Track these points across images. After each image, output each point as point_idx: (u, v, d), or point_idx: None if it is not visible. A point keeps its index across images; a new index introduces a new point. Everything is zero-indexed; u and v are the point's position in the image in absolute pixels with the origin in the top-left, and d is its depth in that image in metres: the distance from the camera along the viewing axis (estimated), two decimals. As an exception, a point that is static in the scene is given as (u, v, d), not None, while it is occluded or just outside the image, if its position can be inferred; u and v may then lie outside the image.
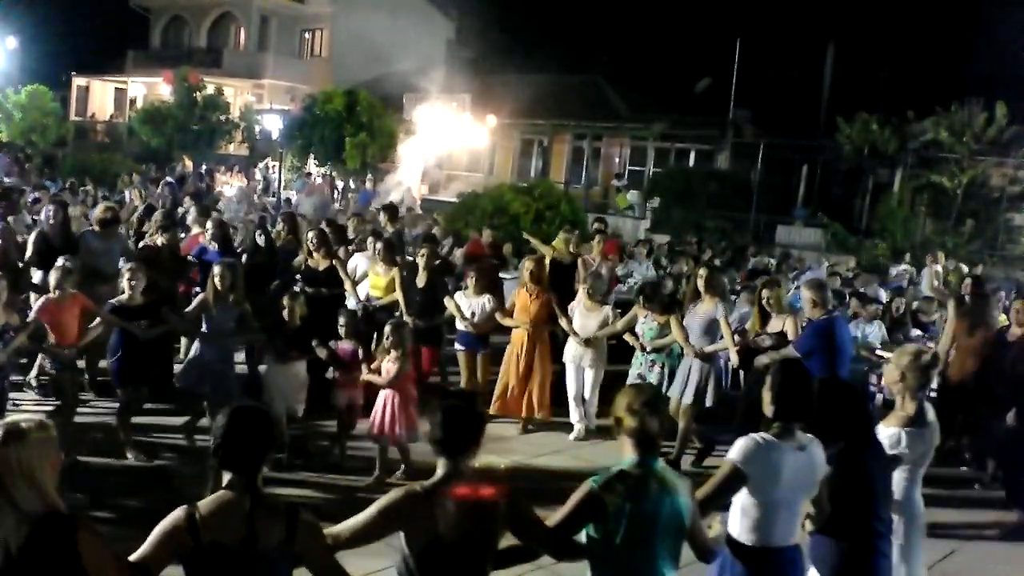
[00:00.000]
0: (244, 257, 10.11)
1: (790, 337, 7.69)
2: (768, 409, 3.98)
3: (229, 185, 25.80)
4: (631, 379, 8.54)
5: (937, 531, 7.32)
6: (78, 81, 42.54)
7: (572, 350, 8.98)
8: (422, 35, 38.25)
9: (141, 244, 10.10)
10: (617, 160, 32.47)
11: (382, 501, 3.31)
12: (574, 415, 8.96)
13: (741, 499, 3.94)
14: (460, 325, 9.10)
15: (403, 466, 7.39)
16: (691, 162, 30.52)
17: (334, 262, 9.58)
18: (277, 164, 27.40)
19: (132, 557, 3.07)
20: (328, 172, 28.43)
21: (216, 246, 10.13)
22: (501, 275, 12.24)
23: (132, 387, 7.47)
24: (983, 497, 8.15)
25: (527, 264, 9.28)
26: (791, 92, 28.65)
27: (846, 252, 21.95)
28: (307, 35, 41.16)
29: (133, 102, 39.45)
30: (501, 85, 32.05)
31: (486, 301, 9.09)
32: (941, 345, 8.71)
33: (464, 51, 39.06)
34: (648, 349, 8.53)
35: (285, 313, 7.69)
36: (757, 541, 3.93)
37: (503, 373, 9.08)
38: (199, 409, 7.70)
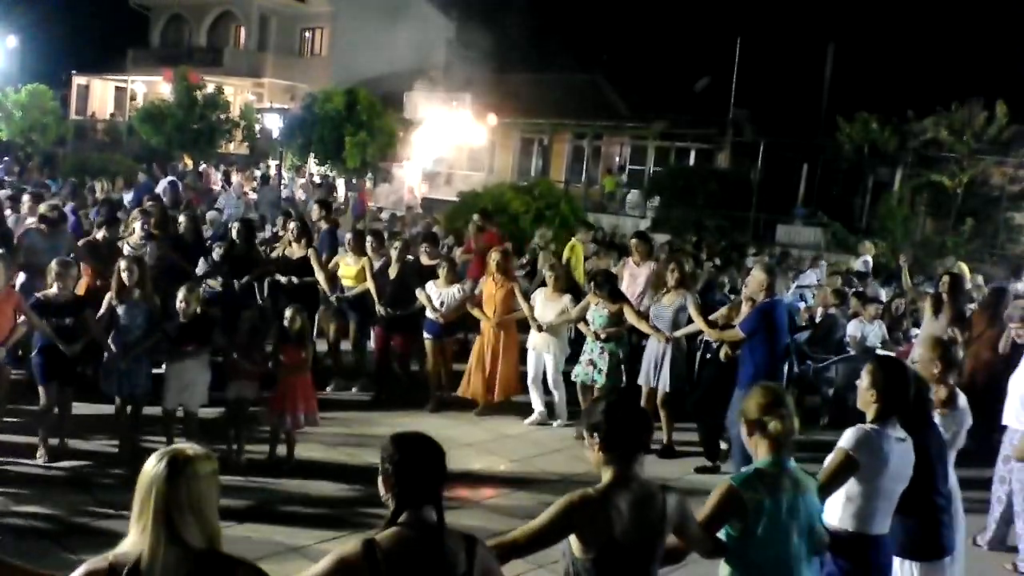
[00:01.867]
0: (221, 250, 10.30)
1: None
2: (871, 405, 4.13)
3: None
4: (581, 364, 8.82)
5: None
6: (78, 80, 42.54)
7: (533, 338, 9.25)
8: (422, 34, 38.19)
9: (82, 240, 9.91)
10: (617, 159, 32.49)
11: (557, 507, 3.23)
12: (534, 399, 9.27)
13: (847, 488, 4.05)
14: (430, 314, 9.40)
15: (288, 455, 7.43)
16: (691, 161, 30.54)
17: (309, 253, 9.89)
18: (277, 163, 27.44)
19: None
20: (328, 172, 28.43)
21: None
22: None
23: (56, 385, 7.11)
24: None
25: (493, 255, 9.63)
26: (791, 91, 28.61)
27: (846, 251, 21.97)
28: (307, 34, 41.18)
29: (133, 98, 39.45)
30: (501, 84, 32.04)
31: (455, 291, 9.45)
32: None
33: (464, 50, 38.96)
34: (603, 337, 8.67)
35: (180, 305, 7.33)
36: (858, 528, 4.06)
37: (471, 359, 9.50)
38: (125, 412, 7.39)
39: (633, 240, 11.36)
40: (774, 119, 27.00)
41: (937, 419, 4.84)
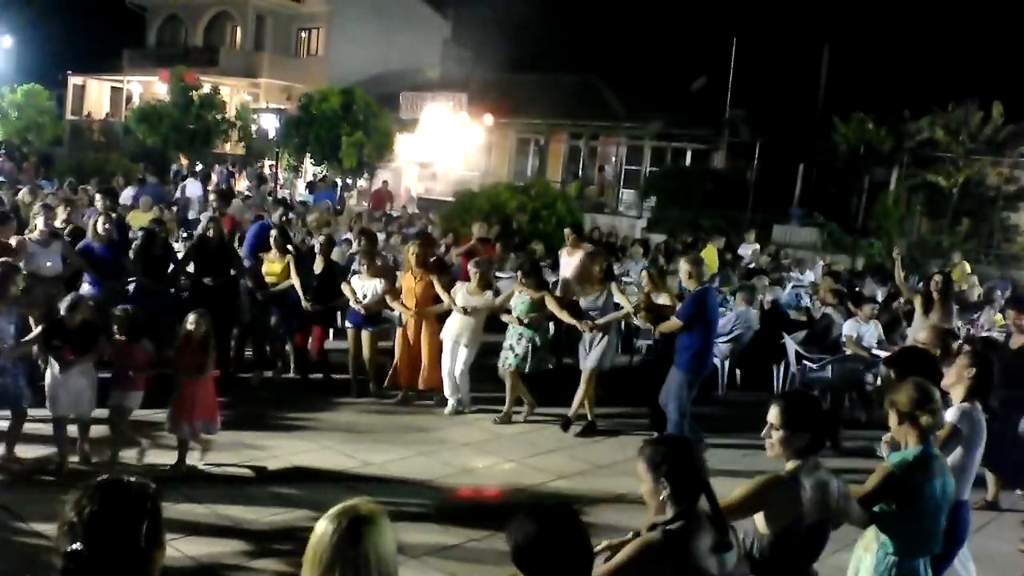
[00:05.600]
0: (138, 250, 10.04)
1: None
2: (964, 381, 4.85)
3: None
4: (504, 350, 9.27)
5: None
6: (74, 80, 42.43)
7: (450, 327, 9.41)
8: (418, 34, 38.20)
9: None
10: (613, 159, 32.49)
11: (753, 484, 3.50)
12: (447, 389, 9.44)
13: (952, 460, 4.50)
14: (353, 305, 9.70)
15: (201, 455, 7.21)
16: (687, 161, 30.54)
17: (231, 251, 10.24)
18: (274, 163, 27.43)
19: None
20: (324, 172, 28.41)
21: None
22: (497, 274, 12.24)
23: None
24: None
25: (411, 247, 9.91)
26: (787, 91, 28.63)
27: (842, 251, 21.99)
28: (303, 34, 41.10)
29: (129, 99, 39.38)
30: (497, 84, 32.02)
31: (377, 284, 9.69)
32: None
33: (460, 50, 39.02)
34: (525, 322, 9.09)
35: (64, 313, 6.89)
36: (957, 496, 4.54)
37: (396, 351, 9.82)
38: None
39: (566, 230, 12.11)
40: (770, 119, 27.02)
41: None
